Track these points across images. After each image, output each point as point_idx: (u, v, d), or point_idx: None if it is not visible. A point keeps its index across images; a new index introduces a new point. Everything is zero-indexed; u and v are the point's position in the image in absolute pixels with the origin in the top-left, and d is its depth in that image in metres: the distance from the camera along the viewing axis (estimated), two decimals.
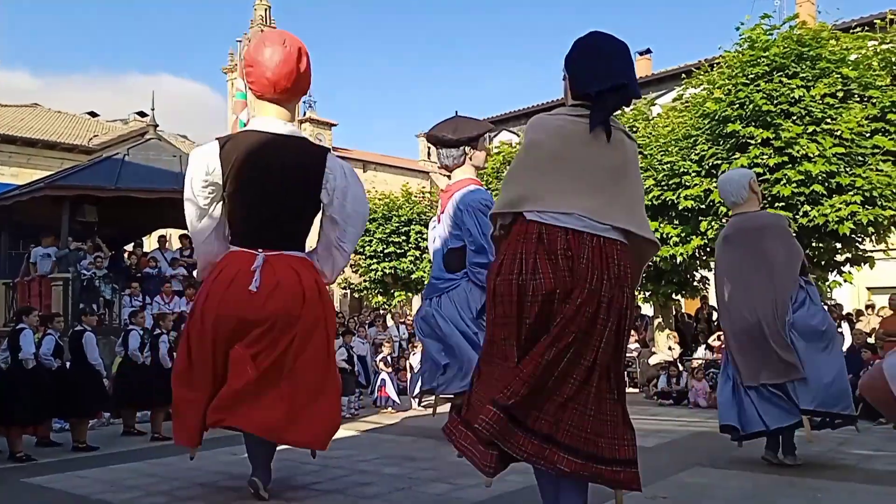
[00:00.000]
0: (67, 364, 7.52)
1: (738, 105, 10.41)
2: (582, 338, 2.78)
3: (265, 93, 4.62)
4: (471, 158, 6.53)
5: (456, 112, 6.98)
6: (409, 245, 20.98)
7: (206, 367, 4.37)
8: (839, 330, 11.81)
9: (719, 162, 10.63)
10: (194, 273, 5.05)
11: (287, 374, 4.37)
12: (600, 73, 2.89)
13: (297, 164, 4.60)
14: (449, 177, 6.74)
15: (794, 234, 9.98)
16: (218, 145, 4.54)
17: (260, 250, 4.49)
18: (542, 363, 2.77)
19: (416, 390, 8.79)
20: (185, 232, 14.66)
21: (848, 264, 11.19)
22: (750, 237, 5.41)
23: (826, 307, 12.72)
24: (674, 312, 14.88)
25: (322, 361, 4.53)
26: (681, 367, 11.39)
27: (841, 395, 5.16)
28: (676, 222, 11.65)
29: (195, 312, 4.53)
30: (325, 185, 4.61)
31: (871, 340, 9.87)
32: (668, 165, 11.39)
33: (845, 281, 11.32)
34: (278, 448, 4.80)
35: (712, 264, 12.72)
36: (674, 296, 13.90)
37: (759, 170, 10.07)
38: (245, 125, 15.41)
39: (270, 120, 4.66)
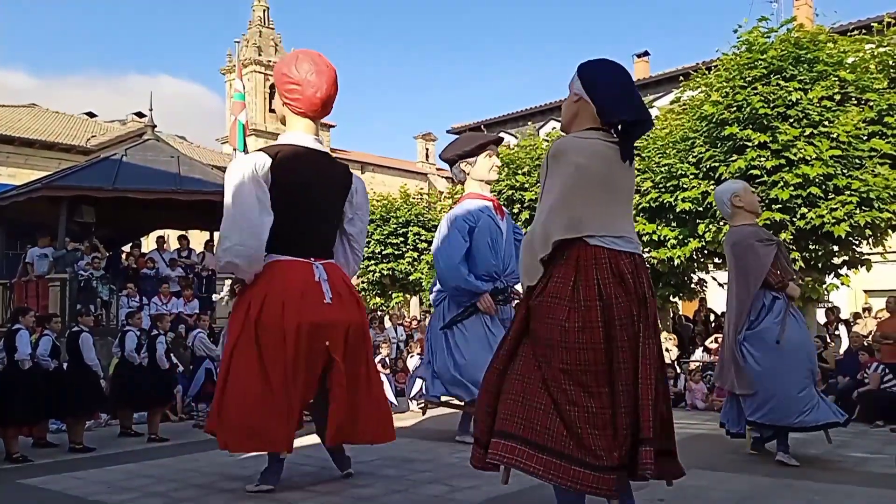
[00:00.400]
0: (64, 365, 7.51)
1: (735, 108, 10.42)
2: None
3: (308, 111, 4.89)
4: (468, 173, 6.75)
5: (467, 129, 7.28)
6: (407, 246, 20.96)
7: (289, 374, 4.48)
8: (836, 333, 11.89)
9: (717, 164, 10.64)
10: (232, 279, 4.96)
11: (374, 379, 4.90)
12: (630, 102, 3.13)
13: (333, 177, 5.00)
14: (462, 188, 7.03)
15: (792, 236, 10.13)
16: (269, 157, 4.70)
17: (312, 259, 4.79)
18: (652, 385, 2.99)
19: (413, 392, 8.84)
20: (183, 233, 14.70)
21: (845, 267, 11.20)
22: (728, 252, 5.72)
23: (826, 307, 12.84)
24: (671, 314, 14.89)
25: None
26: (678, 369, 11.39)
27: (790, 409, 5.31)
28: (674, 224, 11.66)
29: (267, 325, 4.50)
30: (350, 199, 5.09)
31: (867, 343, 9.88)
32: (666, 167, 11.40)
33: (842, 284, 11.32)
34: None
35: (710, 266, 12.88)
36: (671, 298, 13.91)
37: (757, 172, 10.08)
38: (244, 126, 15.51)
39: (305, 135, 4.93)
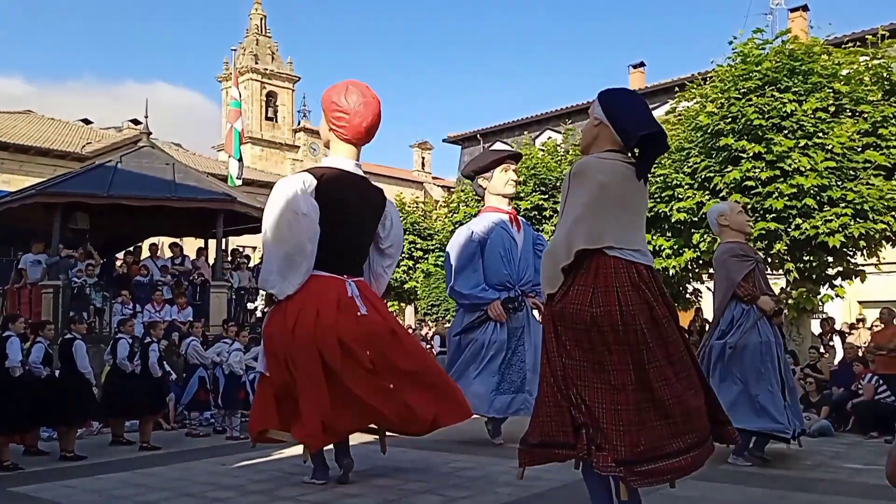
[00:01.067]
0: (57, 372, 7.45)
1: (730, 119, 10.44)
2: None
3: (353, 138, 5.30)
4: (486, 188, 7.04)
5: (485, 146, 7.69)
6: (402, 255, 20.91)
7: (320, 380, 4.79)
8: (830, 343, 11.89)
9: (712, 175, 10.66)
10: (263, 290, 5.65)
11: (436, 365, 5.44)
12: (648, 122, 3.38)
13: (370, 200, 5.42)
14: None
15: (786, 247, 10.14)
16: (315, 180, 5.07)
17: (346, 276, 5.15)
18: (704, 378, 3.45)
19: None
20: (176, 240, 14.65)
21: (839, 278, 11.21)
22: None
23: (821, 318, 12.83)
24: None
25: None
26: None
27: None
28: (669, 234, 11.66)
29: (301, 337, 4.82)
30: (384, 220, 5.51)
31: (861, 353, 9.87)
32: (661, 178, 11.42)
33: (837, 295, 11.34)
34: (266, 458, 4.79)
35: (705, 276, 12.88)
36: None
37: (751, 183, 10.10)
38: (240, 134, 15.51)
39: (346, 160, 5.33)
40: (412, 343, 5.36)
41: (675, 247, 11.52)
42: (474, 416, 6.70)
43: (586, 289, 3.28)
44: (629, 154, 3.45)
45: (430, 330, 17.69)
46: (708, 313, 14.57)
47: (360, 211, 5.30)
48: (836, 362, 10.60)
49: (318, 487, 4.95)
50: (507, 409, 6.52)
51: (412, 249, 21.04)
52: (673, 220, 11.16)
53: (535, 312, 6.94)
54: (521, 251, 6.82)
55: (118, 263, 13.96)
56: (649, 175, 3.57)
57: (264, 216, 5.08)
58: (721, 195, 10.39)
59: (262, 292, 12.62)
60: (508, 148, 8.35)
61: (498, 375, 6.50)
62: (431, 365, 5.27)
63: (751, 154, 10.11)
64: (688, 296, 13.84)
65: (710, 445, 3.37)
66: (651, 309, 3.26)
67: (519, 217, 7.19)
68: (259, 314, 13.28)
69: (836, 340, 12.01)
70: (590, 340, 3.24)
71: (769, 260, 10.43)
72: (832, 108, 10.21)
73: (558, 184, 15.09)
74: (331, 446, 5.10)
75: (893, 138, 10.13)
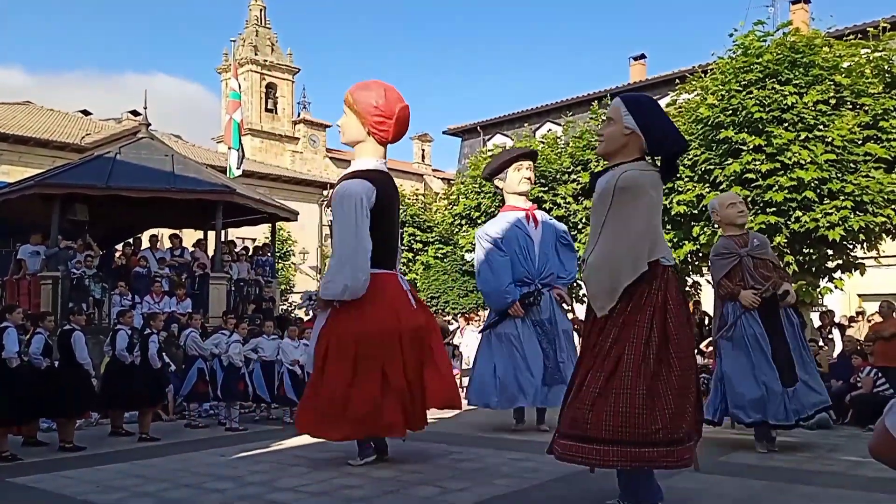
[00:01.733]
0: (56, 363, 7.44)
1: (730, 111, 10.42)
2: None
3: (393, 140, 5.65)
4: (502, 188, 7.32)
5: (495, 147, 8.19)
6: (402, 247, 20.92)
7: (400, 370, 5.26)
8: (830, 336, 11.89)
9: (712, 167, 10.64)
10: (334, 297, 5.51)
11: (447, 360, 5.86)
12: (675, 136, 3.63)
13: (398, 195, 5.82)
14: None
15: (786, 240, 10.13)
16: (373, 187, 5.38)
17: (394, 271, 5.57)
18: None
19: None
20: (176, 231, 14.63)
21: (839, 271, 11.21)
22: None
23: (820, 311, 12.87)
24: None
25: None
26: None
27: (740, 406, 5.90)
28: (669, 227, 11.64)
29: (379, 331, 5.22)
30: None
31: (860, 346, 9.86)
32: None
33: (836, 287, 11.34)
34: (265, 449, 4.79)
35: (704, 269, 12.87)
36: None
37: (751, 175, 10.09)
38: (239, 125, 15.45)
39: (380, 161, 5.66)
40: (433, 339, 5.68)
41: (675, 239, 11.51)
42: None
43: (638, 295, 3.57)
44: (652, 159, 3.69)
45: None
46: (707, 306, 14.60)
47: (396, 208, 5.76)
48: (835, 355, 10.60)
49: (317, 478, 4.96)
50: (545, 400, 6.76)
51: (412, 242, 21.02)
52: (673, 213, 11.14)
53: (563, 304, 7.23)
54: (539, 246, 7.04)
55: (117, 255, 13.93)
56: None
57: (338, 224, 5.37)
58: (721, 188, 10.38)
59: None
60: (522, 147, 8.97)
61: (541, 368, 6.77)
62: (435, 362, 5.52)
63: (751, 147, 10.09)
64: (687, 288, 13.83)
65: (685, 449, 3.57)
66: (664, 304, 3.55)
67: (537, 213, 7.38)
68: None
69: (836, 333, 12.00)
70: (641, 338, 3.55)
71: None
72: (833, 101, 10.18)
73: (558, 176, 15.05)
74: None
75: (894, 131, 10.12)
